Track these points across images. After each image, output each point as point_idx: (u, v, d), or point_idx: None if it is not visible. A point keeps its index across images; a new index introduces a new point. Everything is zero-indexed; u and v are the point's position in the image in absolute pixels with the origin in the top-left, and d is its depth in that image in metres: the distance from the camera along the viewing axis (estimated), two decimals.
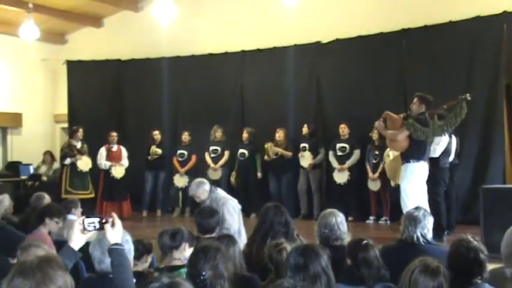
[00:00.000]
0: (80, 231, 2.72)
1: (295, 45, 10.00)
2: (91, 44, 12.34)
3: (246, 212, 9.76)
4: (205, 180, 5.93)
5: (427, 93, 6.95)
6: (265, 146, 9.64)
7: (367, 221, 8.76)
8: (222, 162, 9.97)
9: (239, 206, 5.92)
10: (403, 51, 9.09)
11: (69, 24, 12.42)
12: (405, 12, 9.02)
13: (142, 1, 11.67)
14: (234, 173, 10.02)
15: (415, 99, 6.72)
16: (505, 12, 8.15)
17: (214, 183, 9.90)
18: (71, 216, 6.10)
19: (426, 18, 8.78)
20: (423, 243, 3.96)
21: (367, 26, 9.27)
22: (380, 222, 8.75)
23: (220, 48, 10.70)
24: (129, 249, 3.07)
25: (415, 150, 6.46)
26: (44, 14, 11.30)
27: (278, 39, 10.11)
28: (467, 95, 6.42)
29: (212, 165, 9.96)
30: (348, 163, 9.04)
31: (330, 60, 9.75)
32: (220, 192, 5.95)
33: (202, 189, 5.71)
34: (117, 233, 2.73)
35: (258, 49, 10.38)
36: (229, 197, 5.97)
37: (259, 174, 9.83)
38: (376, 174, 8.71)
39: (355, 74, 9.44)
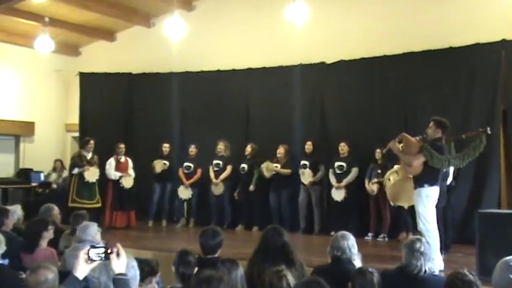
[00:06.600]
0: (84, 261, 2.72)
1: (300, 64, 10.01)
2: (104, 57, 12.40)
3: (247, 225, 9.83)
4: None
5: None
6: (262, 166, 9.64)
7: (366, 238, 8.69)
8: (223, 176, 9.97)
9: None
10: (405, 74, 9.09)
11: (83, 37, 12.49)
12: (407, 36, 9.04)
13: (155, 18, 11.75)
14: (238, 188, 10.03)
15: (431, 123, 6.45)
16: (503, 40, 8.19)
17: (215, 197, 10.00)
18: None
19: (427, 43, 8.81)
20: (423, 274, 3.93)
21: (370, 49, 9.31)
22: (378, 239, 8.71)
23: (228, 65, 10.73)
24: (135, 275, 3.05)
25: (428, 176, 6.30)
26: (59, 27, 11.37)
27: (284, 58, 10.13)
28: (488, 128, 6.33)
29: (214, 179, 9.97)
30: (345, 181, 9.05)
31: (333, 80, 9.77)
32: None
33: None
34: (121, 263, 2.74)
35: (264, 67, 10.40)
36: None
37: (251, 187, 9.77)
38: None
39: (358, 94, 9.47)
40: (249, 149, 9.92)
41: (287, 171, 9.52)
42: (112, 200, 9.93)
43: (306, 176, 9.38)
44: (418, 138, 6.49)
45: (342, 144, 9.14)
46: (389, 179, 7.09)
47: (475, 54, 8.44)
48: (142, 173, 10.29)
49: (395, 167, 7.18)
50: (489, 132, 6.35)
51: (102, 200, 9.87)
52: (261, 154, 9.85)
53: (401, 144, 6.57)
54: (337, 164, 9.15)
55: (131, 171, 10.11)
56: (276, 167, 9.56)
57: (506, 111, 8.27)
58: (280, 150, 9.58)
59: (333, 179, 9.18)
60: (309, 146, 9.51)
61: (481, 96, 8.38)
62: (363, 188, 8.93)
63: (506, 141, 8.30)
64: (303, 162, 9.45)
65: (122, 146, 10.13)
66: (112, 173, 9.93)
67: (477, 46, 8.37)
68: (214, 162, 10.05)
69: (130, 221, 10.03)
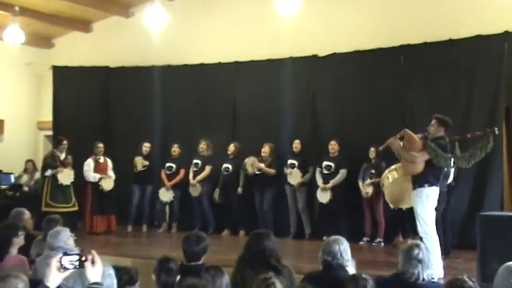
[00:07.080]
0: (57, 269, 2.70)
1: (290, 57, 10.01)
2: (79, 49, 12.32)
3: (233, 230, 9.82)
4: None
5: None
6: (246, 160, 9.65)
7: (361, 243, 8.73)
8: (199, 177, 9.96)
9: None
10: (402, 68, 9.14)
11: (56, 28, 12.41)
12: (405, 28, 9.08)
13: (134, 7, 11.71)
14: (217, 189, 9.98)
15: (433, 121, 6.49)
16: (506, 32, 8.25)
17: (195, 199, 9.99)
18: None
19: (426, 34, 8.85)
20: (420, 281, 3.96)
21: (365, 41, 9.33)
22: (374, 244, 8.75)
23: (213, 58, 10.71)
24: (112, 284, 3.04)
25: (430, 175, 6.32)
26: (30, 17, 11.29)
27: (273, 51, 10.11)
28: (496, 129, 6.40)
29: (191, 180, 9.95)
30: (332, 182, 9.06)
31: (326, 74, 9.78)
32: None
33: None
34: (97, 271, 2.72)
35: (252, 60, 10.38)
36: None
37: (239, 190, 9.77)
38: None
39: (352, 89, 9.49)
40: (232, 148, 9.91)
41: (272, 170, 9.52)
42: (92, 204, 9.88)
43: (294, 176, 9.38)
44: (419, 136, 6.49)
45: (333, 142, 9.16)
46: (387, 178, 7.10)
47: (476, 47, 8.48)
48: (122, 173, 10.26)
49: (395, 165, 7.19)
50: (497, 132, 6.42)
51: (81, 203, 9.84)
52: (245, 153, 9.83)
53: (402, 142, 6.61)
54: (325, 163, 9.15)
55: (111, 173, 10.08)
56: None
57: (509, 107, 8.34)
58: (265, 149, 9.59)
59: (319, 180, 9.20)
60: (297, 145, 9.51)
61: (483, 92, 8.43)
62: (354, 190, 8.94)
63: (509, 140, 8.38)
64: (290, 161, 9.45)
65: (101, 145, 10.09)
66: (91, 174, 9.88)
67: (478, 38, 8.42)
68: (194, 161, 10.05)
69: (110, 226, 10.01)
